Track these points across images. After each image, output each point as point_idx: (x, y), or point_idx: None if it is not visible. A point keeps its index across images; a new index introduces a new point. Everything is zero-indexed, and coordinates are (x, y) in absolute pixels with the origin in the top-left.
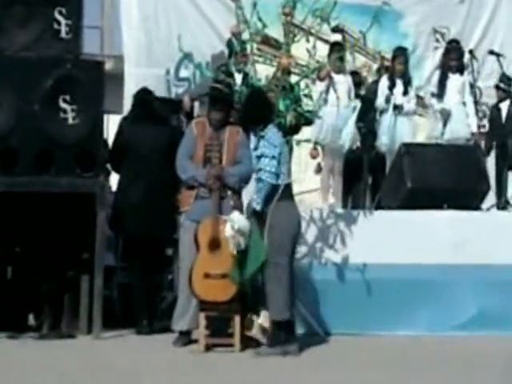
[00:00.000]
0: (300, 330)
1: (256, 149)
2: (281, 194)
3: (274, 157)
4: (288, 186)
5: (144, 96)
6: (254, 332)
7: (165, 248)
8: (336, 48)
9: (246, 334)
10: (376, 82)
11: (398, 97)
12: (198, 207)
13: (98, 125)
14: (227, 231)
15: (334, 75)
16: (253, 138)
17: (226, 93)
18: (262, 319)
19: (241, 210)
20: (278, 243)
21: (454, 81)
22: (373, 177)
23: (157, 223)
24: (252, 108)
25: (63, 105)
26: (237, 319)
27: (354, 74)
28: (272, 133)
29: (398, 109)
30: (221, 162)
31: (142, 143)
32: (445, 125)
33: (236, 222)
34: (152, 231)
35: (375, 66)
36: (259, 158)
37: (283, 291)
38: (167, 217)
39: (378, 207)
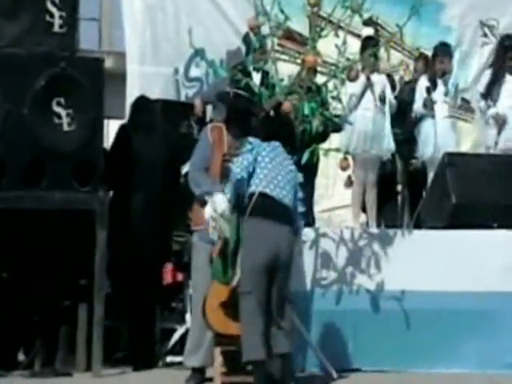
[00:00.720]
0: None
1: None
2: (254, 205)
3: (250, 150)
4: (267, 198)
5: (143, 103)
6: None
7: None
8: (369, 43)
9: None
10: (411, 83)
11: (438, 100)
12: None
13: (97, 131)
14: (207, 212)
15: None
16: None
17: (249, 101)
18: None
19: None
20: (245, 269)
21: (510, 83)
22: (412, 191)
23: (156, 245)
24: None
25: (57, 108)
26: None
27: (387, 76)
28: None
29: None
30: None
31: (141, 155)
32: (499, 132)
33: (218, 203)
34: (150, 254)
35: (412, 64)
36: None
37: (253, 327)
38: (167, 238)
39: (418, 226)
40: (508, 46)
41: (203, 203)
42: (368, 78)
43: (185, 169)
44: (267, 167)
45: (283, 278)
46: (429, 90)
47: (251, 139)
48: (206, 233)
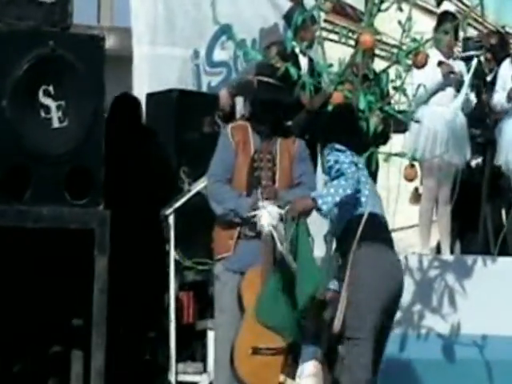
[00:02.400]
0: None
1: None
2: (364, 231)
3: (354, 163)
4: (378, 219)
5: (125, 102)
6: None
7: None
8: (446, 19)
9: None
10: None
11: None
12: (241, 252)
13: (95, 129)
14: (266, 220)
15: (445, 60)
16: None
17: (280, 89)
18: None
19: None
20: (360, 311)
21: None
22: (494, 208)
23: (140, 280)
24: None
25: (45, 100)
26: None
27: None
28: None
29: None
30: (274, 184)
31: (121, 166)
32: None
33: (272, 212)
34: (132, 291)
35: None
36: (331, 168)
37: (367, 379)
38: (155, 269)
39: (504, 253)
40: None
41: (227, 224)
42: (451, 70)
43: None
44: (369, 182)
45: (391, 324)
46: None
47: (339, 146)
48: (233, 260)
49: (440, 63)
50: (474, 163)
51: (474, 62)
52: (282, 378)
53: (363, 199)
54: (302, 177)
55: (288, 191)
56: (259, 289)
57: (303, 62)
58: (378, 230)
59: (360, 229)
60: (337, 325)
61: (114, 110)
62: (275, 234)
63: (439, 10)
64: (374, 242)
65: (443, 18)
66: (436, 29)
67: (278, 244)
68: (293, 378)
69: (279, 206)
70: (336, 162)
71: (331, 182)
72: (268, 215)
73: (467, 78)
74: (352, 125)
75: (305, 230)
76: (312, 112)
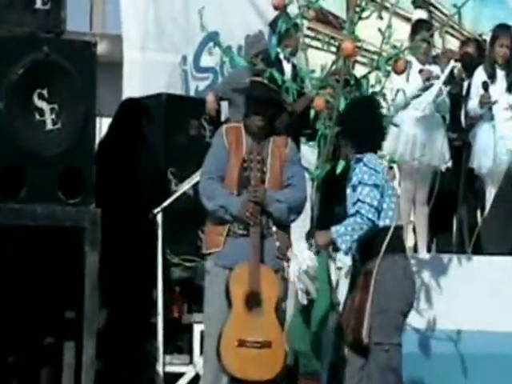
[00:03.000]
0: None
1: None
2: (389, 241)
3: (376, 185)
4: (399, 231)
5: (130, 108)
6: None
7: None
8: (421, 27)
9: None
10: (469, 76)
11: (499, 96)
12: (230, 248)
13: (87, 131)
14: (292, 271)
15: (426, 66)
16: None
17: (272, 89)
18: None
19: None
20: (389, 317)
21: None
22: (469, 210)
23: (129, 276)
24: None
25: (39, 103)
26: None
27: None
28: (370, 156)
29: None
30: (263, 184)
31: (123, 173)
32: None
33: (303, 259)
34: (127, 288)
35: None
36: (355, 187)
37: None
38: (144, 266)
39: (478, 252)
40: None
41: (217, 221)
42: (432, 75)
43: (195, 179)
44: (395, 194)
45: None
46: (486, 85)
47: (367, 160)
48: (222, 256)
49: (421, 70)
50: (443, 167)
51: (451, 64)
52: None
53: (390, 213)
54: (292, 179)
55: (279, 191)
56: (246, 283)
57: (287, 67)
58: (400, 243)
59: (387, 239)
60: (365, 335)
61: (120, 114)
62: (298, 286)
63: (413, 18)
64: (398, 251)
65: (418, 25)
66: (411, 37)
67: (300, 294)
68: None
69: (310, 245)
70: (359, 182)
71: (348, 218)
72: (295, 265)
73: (441, 78)
74: (375, 120)
75: (324, 259)
76: (294, 115)
